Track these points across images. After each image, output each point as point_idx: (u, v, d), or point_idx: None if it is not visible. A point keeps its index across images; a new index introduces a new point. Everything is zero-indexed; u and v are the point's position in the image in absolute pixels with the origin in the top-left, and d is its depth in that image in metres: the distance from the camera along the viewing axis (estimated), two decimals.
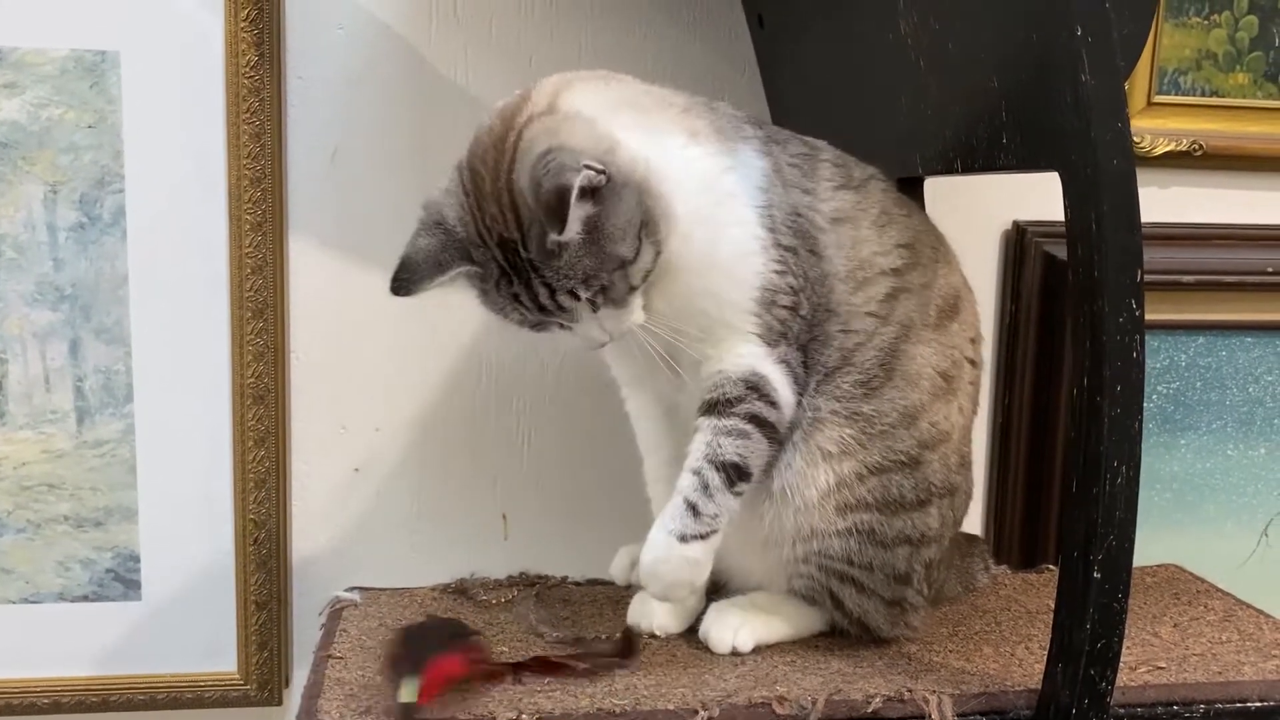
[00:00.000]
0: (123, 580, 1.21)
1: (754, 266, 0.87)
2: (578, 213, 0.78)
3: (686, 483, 0.87)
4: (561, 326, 0.85)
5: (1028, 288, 1.31)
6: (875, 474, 0.89)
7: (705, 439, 0.87)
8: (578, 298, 0.82)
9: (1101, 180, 0.73)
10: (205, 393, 1.19)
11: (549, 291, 0.82)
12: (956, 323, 0.94)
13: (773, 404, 0.88)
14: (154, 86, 1.15)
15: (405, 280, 0.85)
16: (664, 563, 0.87)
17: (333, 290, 1.23)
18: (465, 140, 1.20)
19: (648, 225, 0.82)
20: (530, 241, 0.81)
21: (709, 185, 0.87)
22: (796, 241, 0.88)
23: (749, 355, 0.88)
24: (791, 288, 0.88)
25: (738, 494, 0.87)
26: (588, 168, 0.78)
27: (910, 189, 1.05)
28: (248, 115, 1.16)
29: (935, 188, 1.12)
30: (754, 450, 0.87)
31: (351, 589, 1.05)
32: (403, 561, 1.26)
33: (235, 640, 1.22)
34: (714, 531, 0.86)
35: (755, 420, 0.87)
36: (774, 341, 0.88)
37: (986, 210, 1.32)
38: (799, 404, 0.89)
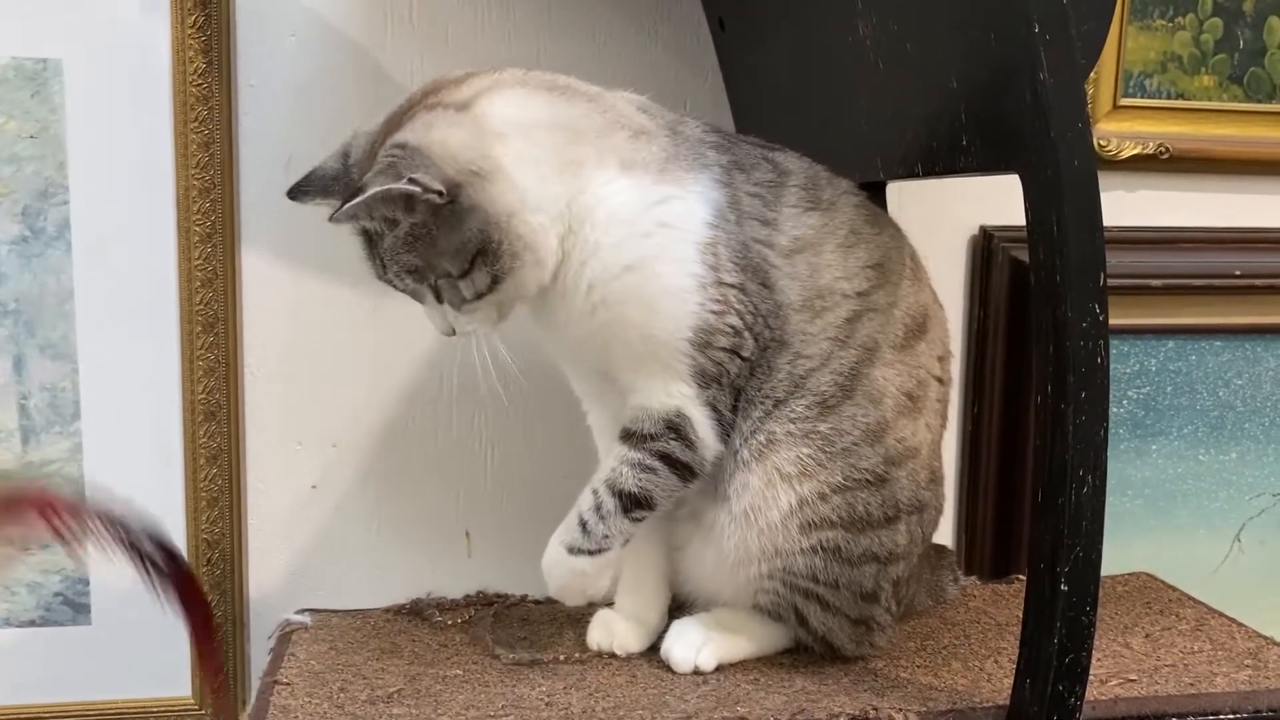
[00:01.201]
0: (71, 604, 1.17)
1: (687, 306, 0.84)
2: (373, 209, 0.81)
3: (584, 500, 0.88)
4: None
5: (995, 293, 1.29)
6: (839, 492, 0.86)
7: (611, 464, 0.87)
8: (403, 282, 0.85)
9: (1063, 181, 0.71)
10: (155, 410, 1.16)
11: (380, 264, 0.86)
12: (924, 342, 0.92)
13: (690, 445, 0.87)
14: (98, 95, 1.12)
15: (300, 189, 0.92)
16: (554, 567, 0.89)
17: (287, 303, 1.20)
18: None
19: (487, 255, 0.82)
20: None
21: (633, 219, 0.83)
22: (743, 278, 0.85)
23: (677, 396, 0.86)
24: (732, 328, 0.85)
25: (635, 519, 0.87)
26: (414, 183, 0.79)
27: (874, 194, 1.03)
28: (196, 124, 1.13)
29: (901, 193, 1.10)
30: (658, 485, 0.87)
31: (302, 611, 1.02)
32: (363, 580, 1.23)
33: (189, 664, 1.19)
34: (603, 550, 0.87)
35: (665, 459, 0.86)
36: (705, 384, 0.86)
37: (953, 216, 1.31)
38: (724, 444, 0.88)
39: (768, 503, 0.86)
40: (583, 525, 0.87)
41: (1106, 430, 0.74)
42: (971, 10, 0.77)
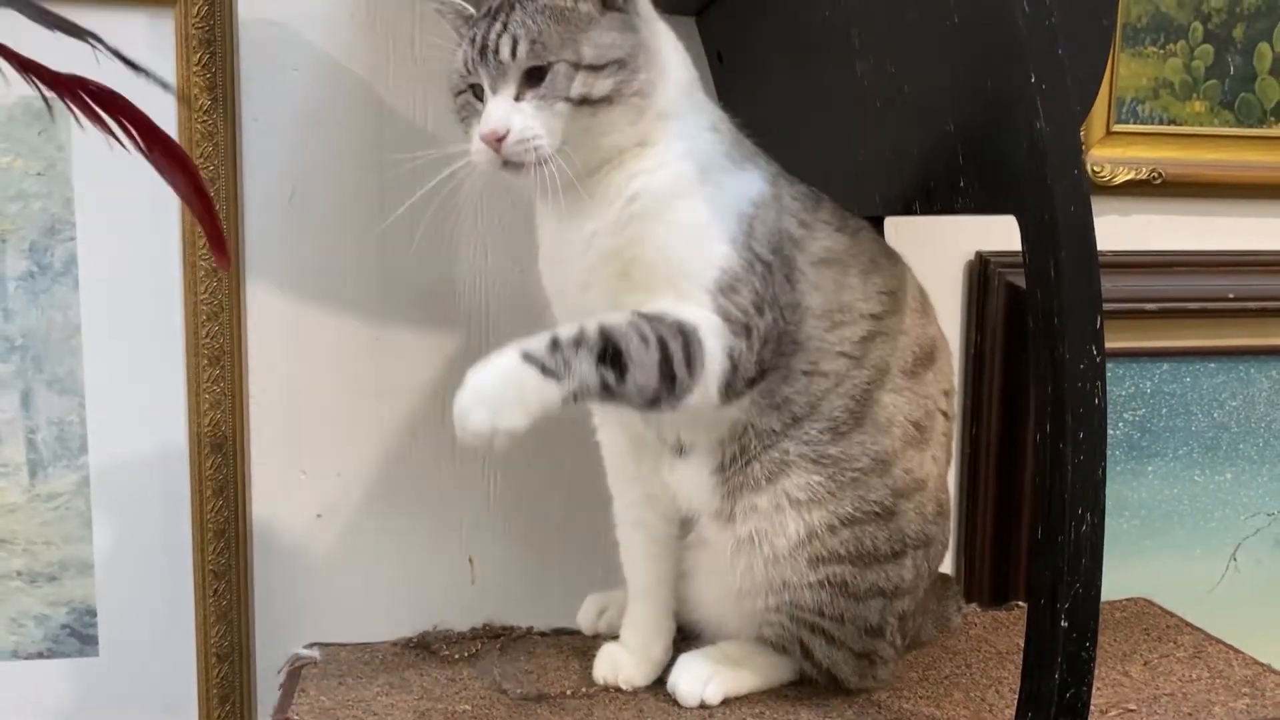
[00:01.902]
0: (79, 635, 1.18)
1: (718, 249, 0.86)
2: None
3: (566, 327, 0.82)
4: (480, 105, 0.86)
5: (992, 318, 1.31)
6: (848, 525, 0.88)
7: (610, 315, 0.83)
8: (515, 52, 0.83)
9: (1059, 226, 0.73)
10: (162, 442, 1.17)
11: (502, 29, 0.84)
12: (931, 373, 0.93)
13: (689, 364, 0.83)
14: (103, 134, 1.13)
15: None
16: (489, 369, 0.79)
17: (292, 334, 1.21)
18: (426, 178, 1.20)
19: (623, 69, 0.84)
20: None
21: (700, 166, 0.87)
22: (774, 259, 0.88)
23: (702, 318, 0.85)
24: (756, 289, 0.86)
25: (601, 377, 0.80)
26: None
27: (871, 226, 1.04)
28: (201, 160, 1.14)
29: (898, 219, 1.11)
30: (642, 361, 0.81)
31: (311, 645, 1.03)
32: (368, 608, 1.24)
33: (196, 694, 1.20)
34: (555, 376, 0.79)
35: (663, 349, 0.82)
36: (735, 331, 0.85)
37: (949, 241, 1.32)
38: (725, 401, 0.86)
39: (775, 528, 0.87)
40: (553, 341, 0.80)
41: (1104, 469, 0.75)
42: (968, 56, 0.79)
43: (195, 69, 1.13)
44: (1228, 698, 0.92)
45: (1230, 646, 1.04)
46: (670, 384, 0.83)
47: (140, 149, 0.72)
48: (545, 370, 0.79)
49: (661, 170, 0.86)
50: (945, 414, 0.95)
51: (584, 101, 0.84)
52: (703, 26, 1.20)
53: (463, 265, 1.23)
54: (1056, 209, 0.73)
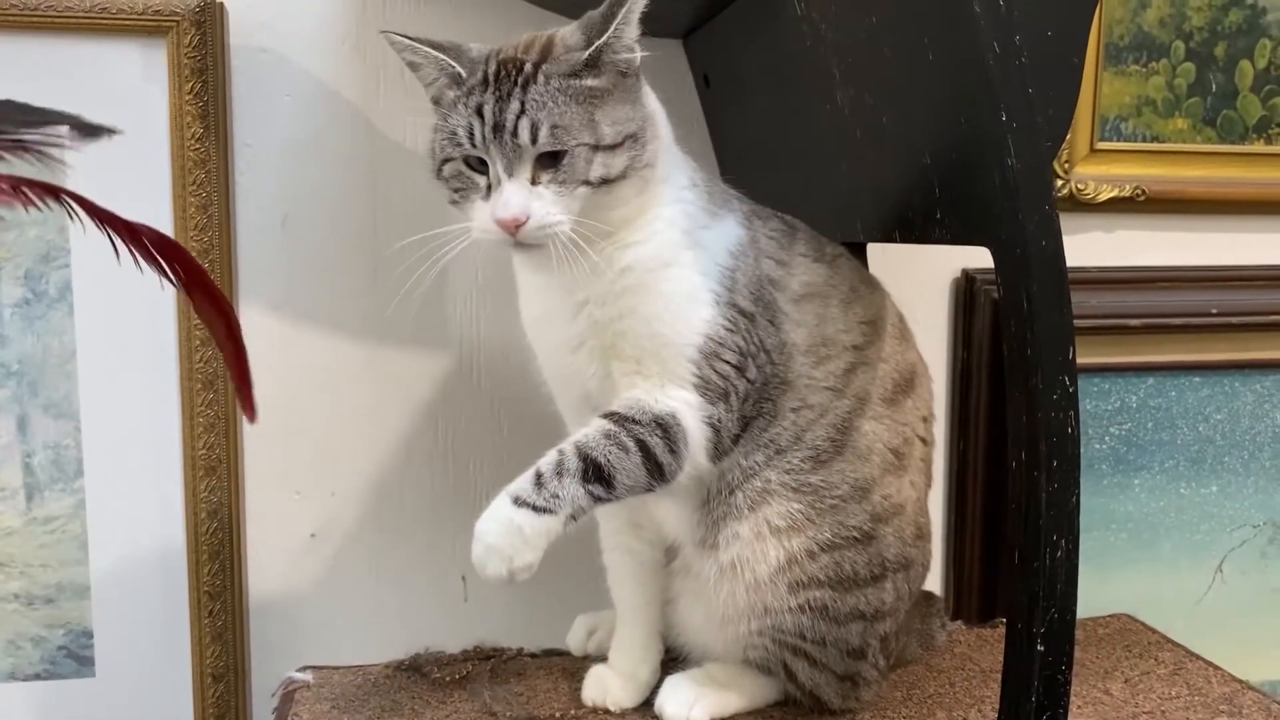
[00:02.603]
0: (76, 657, 1.20)
1: (702, 314, 0.86)
2: (625, 31, 0.82)
3: (547, 457, 0.84)
4: (483, 180, 0.84)
5: (978, 335, 1.32)
6: (827, 550, 0.89)
7: (585, 430, 0.85)
8: (535, 137, 0.81)
9: (1031, 260, 0.74)
10: (157, 466, 1.18)
11: (519, 110, 0.81)
12: (911, 399, 0.95)
13: (672, 449, 0.85)
14: (97, 160, 1.14)
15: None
16: (489, 520, 0.82)
17: (285, 357, 1.22)
18: (416, 205, 1.22)
19: (636, 142, 0.84)
20: (552, 51, 0.83)
21: (686, 230, 0.88)
22: (756, 309, 0.89)
23: (677, 400, 0.86)
24: (739, 348, 0.87)
25: (590, 493, 0.83)
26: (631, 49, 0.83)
27: (855, 253, 1.05)
28: (194, 187, 1.16)
29: None
30: (626, 467, 0.83)
31: (304, 669, 1.04)
32: (363, 627, 1.25)
33: (192, 714, 1.21)
34: (548, 510, 0.81)
35: (642, 447, 0.84)
36: (712, 400, 0.87)
37: (936, 259, 1.33)
38: (714, 464, 0.88)
39: (756, 555, 0.88)
40: (537, 477, 0.83)
41: (1078, 497, 0.77)
42: (942, 93, 0.80)
43: (188, 97, 1.14)
44: (1206, 715, 0.93)
45: (1210, 663, 1.05)
46: (659, 472, 0.85)
47: (183, 288, 0.77)
48: (537, 509, 0.82)
49: (652, 240, 0.87)
50: (924, 440, 0.96)
51: (603, 182, 0.83)
52: (690, 49, 1.21)
53: (453, 289, 1.24)
54: (1029, 243, 0.74)
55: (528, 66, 0.82)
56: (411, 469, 1.26)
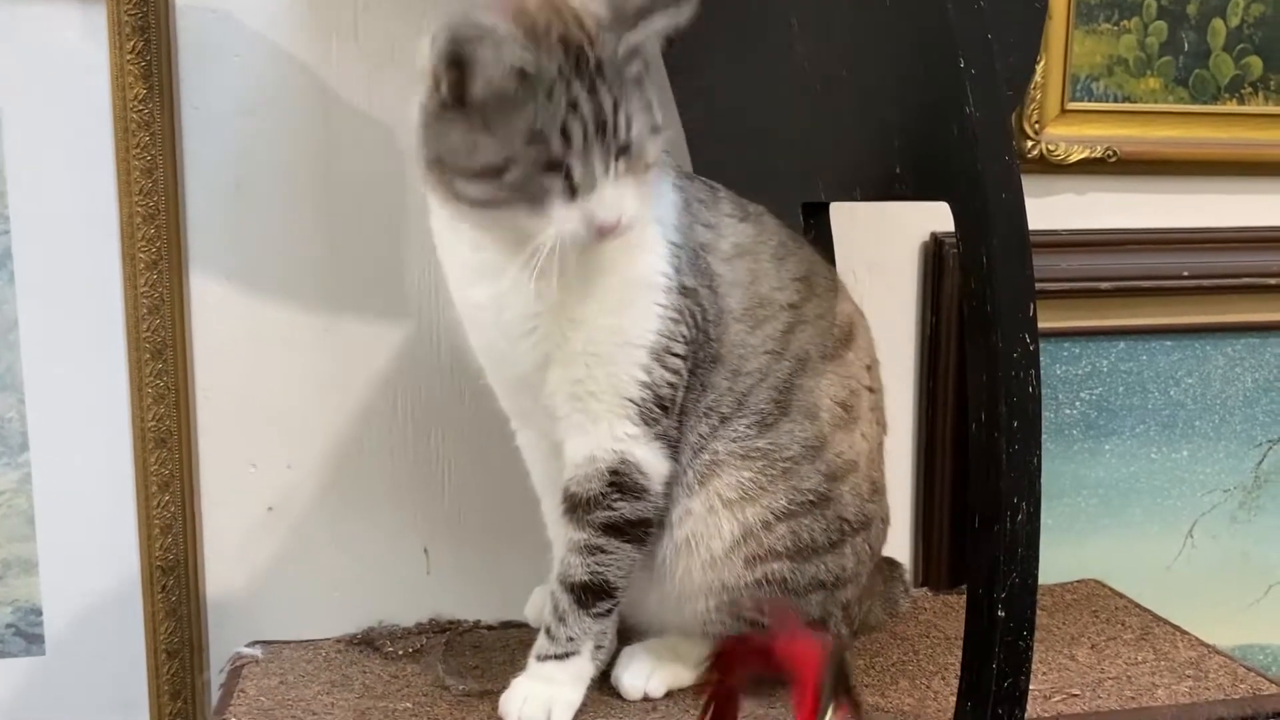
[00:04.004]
0: (24, 635, 1.17)
1: (654, 306, 0.83)
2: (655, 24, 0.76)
3: (546, 607, 0.87)
4: (560, 182, 0.75)
5: (947, 299, 1.30)
6: (783, 519, 0.87)
7: (560, 555, 0.86)
8: (630, 131, 0.75)
9: (990, 214, 0.72)
10: (105, 438, 1.15)
11: (614, 104, 0.75)
12: (852, 351, 0.92)
13: (639, 493, 0.84)
14: (36, 124, 1.11)
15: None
16: (524, 678, 0.86)
17: (238, 326, 1.19)
18: (373, 166, 1.19)
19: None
20: (601, 43, 0.75)
21: (654, 219, 0.84)
22: (697, 282, 0.85)
23: (624, 438, 0.84)
24: (685, 337, 0.84)
25: (598, 613, 0.85)
26: None
27: (817, 213, 1.03)
28: (138, 150, 1.12)
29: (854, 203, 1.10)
30: (611, 563, 0.85)
31: (253, 644, 1.02)
32: (321, 601, 1.23)
33: (146, 692, 1.18)
34: (570, 654, 0.85)
35: (612, 529, 0.84)
36: (653, 419, 0.84)
37: (904, 223, 1.31)
38: (678, 461, 0.86)
39: (709, 531, 0.86)
40: (547, 630, 0.86)
41: (1039, 458, 0.75)
42: (900, 42, 0.78)
43: (129, 56, 1.10)
44: (1171, 680, 0.92)
45: (1177, 628, 1.04)
46: (641, 528, 0.85)
47: None
48: (558, 656, 0.85)
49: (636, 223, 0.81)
50: (870, 389, 0.94)
51: (649, 167, 0.79)
52: None
53: (411, 254, 1.21)
54: (988, 195, 0.72)
55: (591, 51, 0.75)
56: (371, 440, 1.24)
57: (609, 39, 0.76)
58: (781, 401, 0.87)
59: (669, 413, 0.85)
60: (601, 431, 0.84)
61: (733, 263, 0.88)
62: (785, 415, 0.87)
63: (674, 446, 0.86)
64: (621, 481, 0.84)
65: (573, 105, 0.74)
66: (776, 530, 0.86)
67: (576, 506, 0.86)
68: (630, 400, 0.83)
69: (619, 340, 0.83)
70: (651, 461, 0.85)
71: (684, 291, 0.84)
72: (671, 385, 0.84)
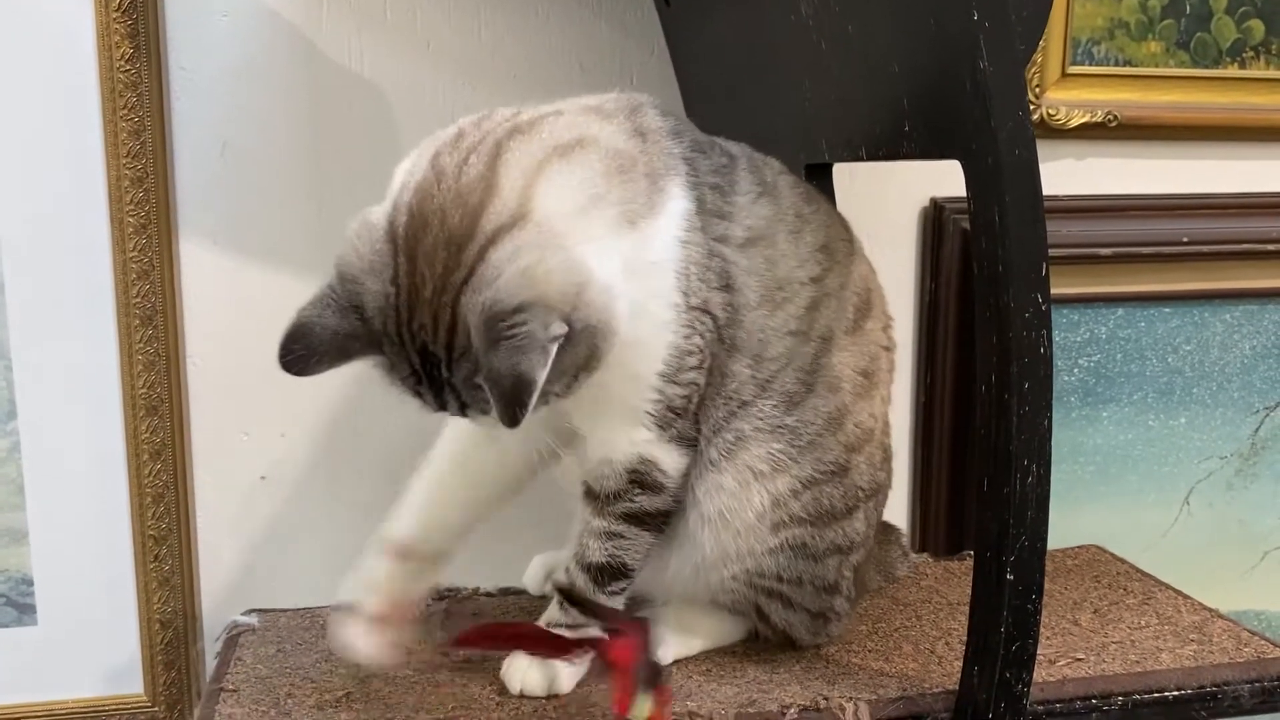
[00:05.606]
0: (16, 605, 1.15)
1: (665, 338, 0.80)
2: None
3: (559, 578, 0.86)
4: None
5: (947, 265, 1.29)
6: (808, 487, 0.86)
7: (578, 537, 0.85)
8: (487, 413, 0.74)
9: (1003, 171, 0.71)
10: (94, 406, 1.13)
11: (459, 405, 0.76)
12: (870, 319, 0.91)
13: (657, 489, 0.83)
14: (20, 86, 1.08)
15: (301, 356, 0.75)
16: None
17: (229, 291, 1.17)
18: (363, 126, 1.17)
19: (591, 362, 0.73)
20: (457, 371, 0.73)
21: (637, 270, 0.77)
22: (707, 293, 0.81)
23: (640, 442, 0.82)
24: (698, 348, 0.81)
25: (613, 593, 0.84)
26: (554, 339, 0.69)
27: (820, 174, 1.02)
28: (125, 112, 1.09)
29: (851, 166, 1.09)
30: (629, 547, 0.84)
31: (249, 612, 1.01)
32: (316, 569, 1.21)
33: (140, 661, 1.17)
34: (582, 625, 0.84)
35: (631, 519, 0.83)
36: (667, 424, 0.82)
37: (904, 188, 1.30)
38: (696, 448, 0.85)
39: (742, 504, 0.84)
40: (560, 603, 0.86)
41: (1050, 419, 0.74)
42: None
43: (115, 15, 1.08)
44: (1175, 644, 0.92)
45: (1179, 592, 1.04)
46: (659, 519, 0.84)
47: None
48: (570, 627, 0.84)
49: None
50: (887, 348, 0.93)
51: (559, 397, 0.78)
52: None
53: None
54: (1001, 152, 0.70)
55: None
56: (365, 408, 1.22)
57: (466, 370, 0.73)
58: (808, 381, 0.86)
59: (685, 415, 0.83)
60: (619, 438, 0.83)
61: (747, 251, 0.84)
62: (811, 392, 0.86)
63: (691, 442, 0.84)
64: (640, 479, 0.83)
65: (418, 394, 0.78)
66: (802, 497, 0.86)
67: (596, 498, 0.84)
68: (646, 413, 0.82)
69: (629, 373, 0.80)
70: (669, 459, 0.83)
71: (693, 308, 0.81)
72: (686, 396, 0.82)
